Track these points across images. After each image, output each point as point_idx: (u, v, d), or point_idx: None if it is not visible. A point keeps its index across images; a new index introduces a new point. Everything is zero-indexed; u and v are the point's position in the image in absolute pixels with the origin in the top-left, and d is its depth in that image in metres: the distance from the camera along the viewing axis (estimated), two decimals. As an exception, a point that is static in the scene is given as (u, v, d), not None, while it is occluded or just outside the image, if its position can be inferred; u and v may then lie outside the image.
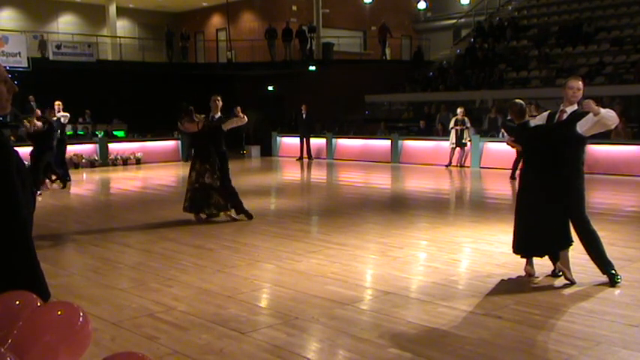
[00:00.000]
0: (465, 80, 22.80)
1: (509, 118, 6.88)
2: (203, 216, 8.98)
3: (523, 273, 5.86)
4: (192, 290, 5.59)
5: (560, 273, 5.69)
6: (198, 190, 8.82)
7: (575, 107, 5.60)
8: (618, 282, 5.49)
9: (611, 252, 6.80)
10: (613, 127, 5.67)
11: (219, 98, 9.05)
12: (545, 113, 5.89)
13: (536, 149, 5.71)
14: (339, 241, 7.62)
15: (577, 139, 5.52)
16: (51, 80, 20.83)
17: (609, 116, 5.28)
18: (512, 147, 6.98)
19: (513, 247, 5.89)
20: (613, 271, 5.52)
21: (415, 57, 27.14)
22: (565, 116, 5.60)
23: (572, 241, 5.65)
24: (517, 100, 6.03)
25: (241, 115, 8.87)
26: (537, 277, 5.80)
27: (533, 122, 5.91)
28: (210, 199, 8.78)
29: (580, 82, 5.62)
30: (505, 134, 6.87)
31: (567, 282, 5.60)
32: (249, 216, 9.10)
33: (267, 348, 4.20)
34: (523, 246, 5.79)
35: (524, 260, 5.89)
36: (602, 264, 5.57)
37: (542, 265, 5.87)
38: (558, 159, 5.53)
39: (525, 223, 5.70)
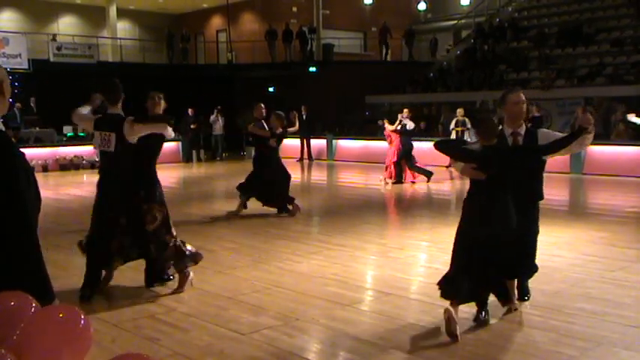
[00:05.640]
0: (465, 81, 22.80)
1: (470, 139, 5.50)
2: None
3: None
4: (193, 291, 5.59)
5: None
6: None
7: (523, 127, 4.81)
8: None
9: (611, 253, 6.84)
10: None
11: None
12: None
13: (502, 177, 4.54)
14: (339, 242, 7.62)
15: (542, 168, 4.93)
16: (51, 82, 20.82)
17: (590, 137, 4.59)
18: (471, 176, 4.74)
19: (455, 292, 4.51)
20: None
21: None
22: (520, 139, 4.76)
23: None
24: (489, 116, 5.13)
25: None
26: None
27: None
28: None
29: (522, 94, 4.80)
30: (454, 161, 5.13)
31: (570, 284, 5.59)
32: None
33: (267, 349, 4.20)
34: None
35: None
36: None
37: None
38: (523, 189, 4.71)
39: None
